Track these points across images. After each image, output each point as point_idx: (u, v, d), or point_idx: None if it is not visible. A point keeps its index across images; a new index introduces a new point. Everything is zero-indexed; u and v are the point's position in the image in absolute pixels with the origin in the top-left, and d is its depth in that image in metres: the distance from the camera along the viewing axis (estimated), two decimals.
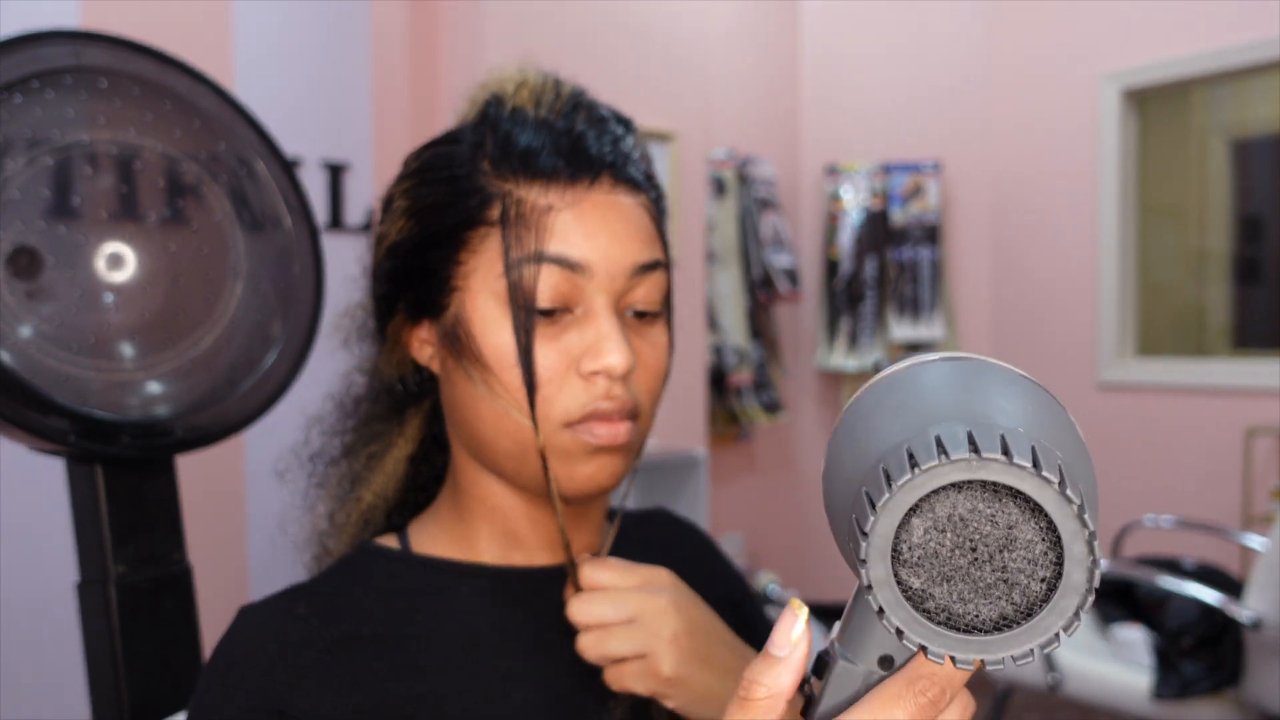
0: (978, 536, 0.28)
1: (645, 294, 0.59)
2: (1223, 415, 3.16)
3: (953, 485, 0.27)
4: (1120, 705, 2.08)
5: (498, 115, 0.60)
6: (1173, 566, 2.32)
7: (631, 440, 0.59)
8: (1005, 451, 0.26)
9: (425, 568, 0.63)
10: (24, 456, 0.89)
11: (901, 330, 3.79)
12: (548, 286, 0.56)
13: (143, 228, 0.79)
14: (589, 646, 0.57)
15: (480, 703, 0.57)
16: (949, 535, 0.28)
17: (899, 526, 0.28)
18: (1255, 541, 2.46)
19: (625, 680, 0.57)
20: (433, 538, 0.65)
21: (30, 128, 0.72)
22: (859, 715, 0.32)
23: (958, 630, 0.28)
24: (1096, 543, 0.27)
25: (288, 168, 0.88)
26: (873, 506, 0.28)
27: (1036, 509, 0.28)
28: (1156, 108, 3.50)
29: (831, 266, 3.89)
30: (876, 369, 0.56)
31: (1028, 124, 3.67)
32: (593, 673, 0.59)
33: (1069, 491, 0.26)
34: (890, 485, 0.27)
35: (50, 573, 1.67)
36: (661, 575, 0.60)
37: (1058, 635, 0.28)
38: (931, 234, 3.79)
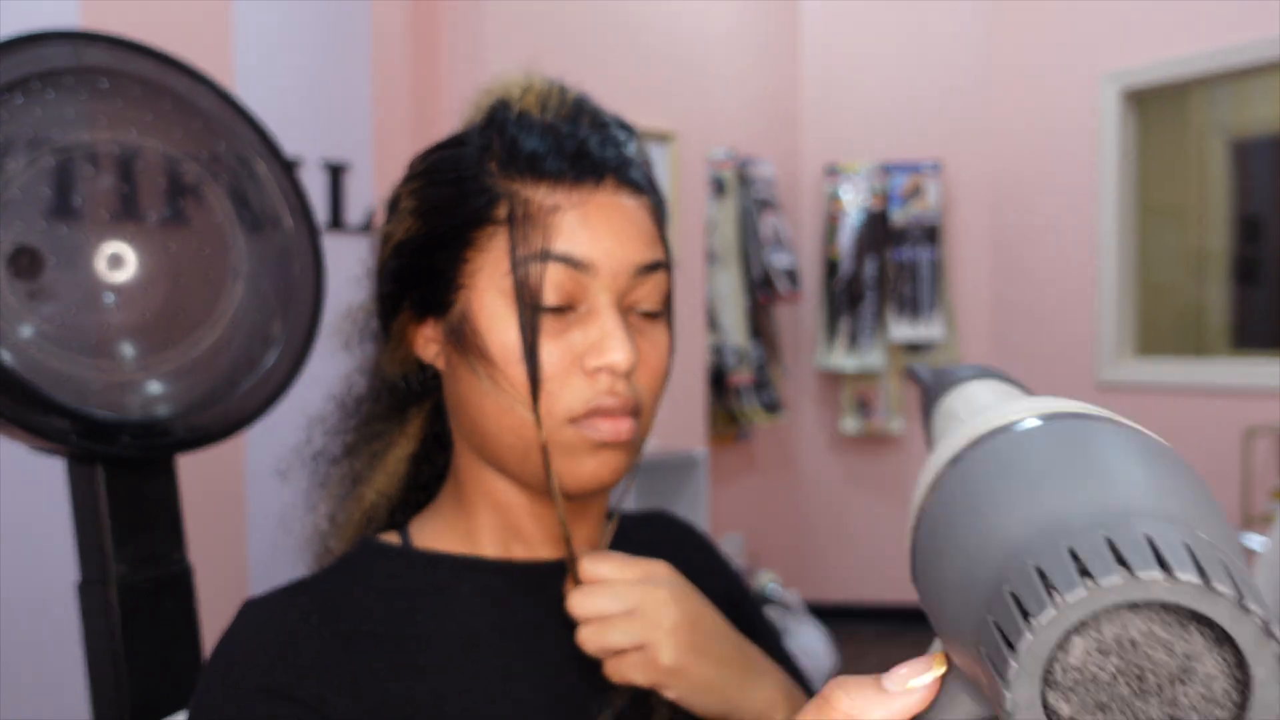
0: (1148, 664, 0.24)
1: (647, 294, 0.61)
2: (1222, 415, 3.16)
3: (1129, 604, 0.23)
4: None
5: (504, 119, 0.61)
6: None
7: (633, 437, 0.60)
8: (1201, 574, 0.22)
9: (426, 563, 0.63)
10: (24, 456, 0.89)
11: (901, 330, 3.79)
12: (553, 284, 0.57)
13: (143, 228, 0.79)
14: (589, 638, 0.58)
15: (481, 699, 0.58)
16: (1113, 659, 0.24)
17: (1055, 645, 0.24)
18: (1255, 541, 2.46)
19: (625, 671, 0.58)
20: (434, 532, 0.65)
21: (31, 128, 0.72)
22: None
23: None
24: None
25: (288, 168, 0.88)
26: (1027, 618, 0.23)
27: (1224, 639, 0.23)
28: (1156, 108, 3.50)
29: (831, 266, 3.90)
30: (913, 374, 0.47)
31: (1028, 124, 3.67)
32: (593, 666, 0.60)
33: (1276, 630, 0.23)
34: (1053, 598, 0.23)
35: (50, 573, 1.67)
36: (660, 568, 0.61)
37: None
38: (931, 234, 3.79)
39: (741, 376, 3.59)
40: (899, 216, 3.81)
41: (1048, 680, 0.24)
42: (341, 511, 0.70)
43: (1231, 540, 0.26)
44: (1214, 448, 3.16)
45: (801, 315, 4.00)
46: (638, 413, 0.60)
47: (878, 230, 3.83)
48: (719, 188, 3.58)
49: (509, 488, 0.63)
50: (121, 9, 2.04)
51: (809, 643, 3.16)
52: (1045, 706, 0.24)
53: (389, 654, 0.57)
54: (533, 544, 0.65)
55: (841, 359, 3.83)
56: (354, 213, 2.45)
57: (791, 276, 3.75)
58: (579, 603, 0.59)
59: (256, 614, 0.59)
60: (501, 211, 0.59)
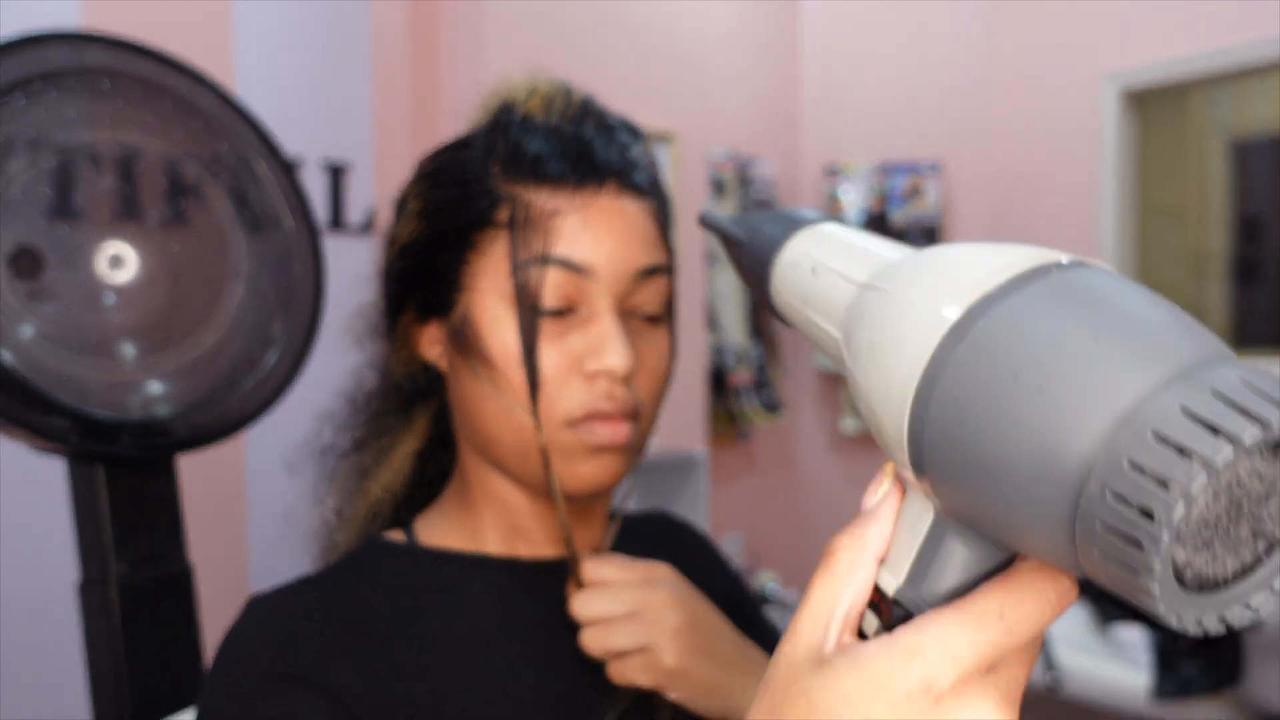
0: (1243, 495, 0.25)
1: (648, 298, 0.61)
2: None
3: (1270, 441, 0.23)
4: (1120, 705, 2.08)
5: (509, 121, 0.61)
6: None
7: (632, 441, 0.60)
8: None
9: (431, 560, 0.64)
10: (24, 456, 0.89)
11: None
12: (553, 288, 0.58)
13: (144, 228, 0.79)
14: (592, 641, 0.58)
15: (485, 696, 0.58)
16: (1223, 500, 0.24)
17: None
18: None
19: (628, 674, 0.58)
20: (439, 530, 0.66)
21: (32, 128, 0.72)
22: (938, 629, 0.29)
23: (1201, 590, 0.25)
24: None
25: (288, 168, 0.88)
26: (1163, 485, 0.23)
27: None
28: (1156, 108, 3.50)
29: None
30: (715, 222, 0.42)
31: (1027, 124, 3.67)
32: (597, 665, 0.60)
33: None
34: (1196, 462, 0.23)
35: (50, 573, 1.67)
36: (662, 570, 0.61)
37: (1257, 606, 0.26)
38: (931, 234, 3.80)
39: (741, 376, 3.59)
40: (899, 217, 3.81)
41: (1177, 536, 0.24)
42: (348, 505, 0.70)
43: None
44: None
45: None
46: (636, 416, 0.60)
47: (877, 230, 3.83)
48: (719, 188, 3.58)
49: (512, 488, 0.63)
50: (122, 9, 2.04)
51: None
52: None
53: (394, 649, 0.57)
54: (537, 543, 0.65)
55: None
56: (354, 213, 2.45)
57: None
58: (581, 605, 0.59)
59: (263, 608, 0.59)
60: (503, 215, 0.59)
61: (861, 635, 0.33)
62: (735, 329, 3.59)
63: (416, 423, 0.71)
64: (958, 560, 0.31)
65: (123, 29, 0.84)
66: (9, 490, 1.89)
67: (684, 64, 3.04)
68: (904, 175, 3.81)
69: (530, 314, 0.57)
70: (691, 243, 3.09)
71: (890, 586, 0.32)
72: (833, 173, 3.90)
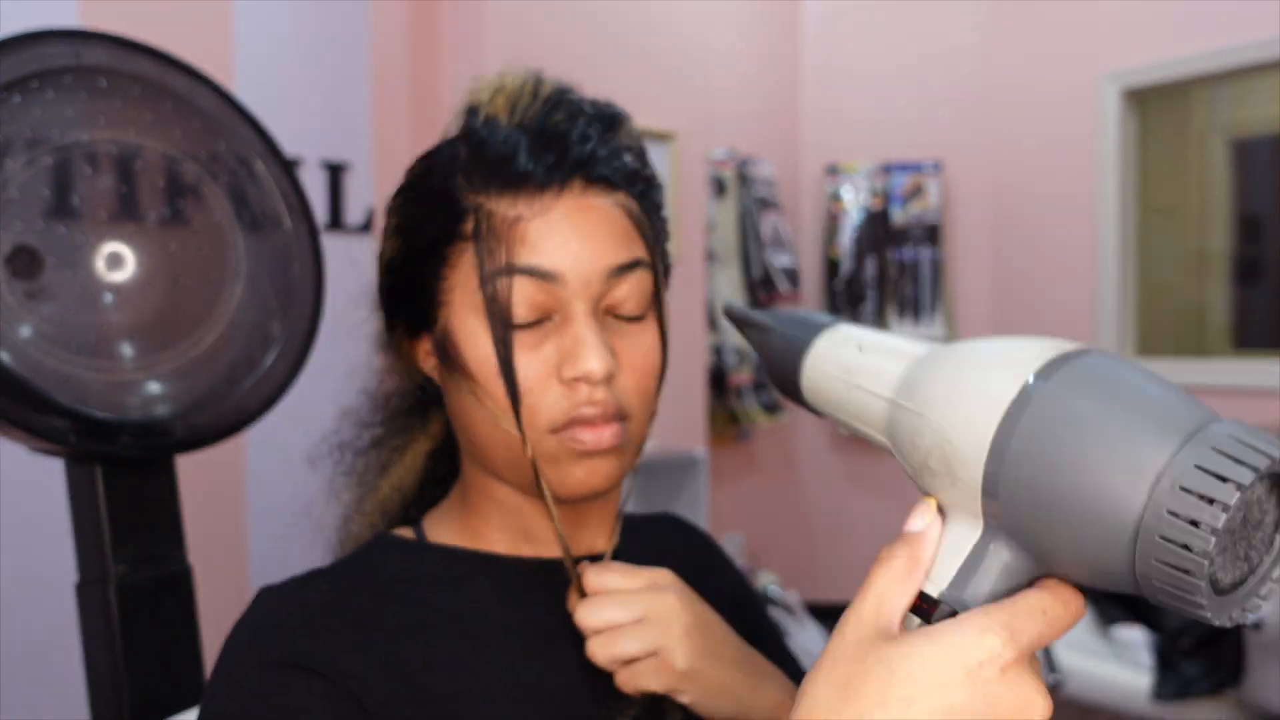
0: (1250, 518, 0.33)
1: (626, 295, 0.59)
2: (1223, 415, 3.15)
3: (1265, 475, 0.32)
4: (1120, 705, 2.08)
5: (471, 126, 0.60)
6: None
7: (622, 442, 0.59)
8: None
9: (439, 556, 0.64)
10: (23, 457, 0.88)
11: (902, 330, 3.79)
12: (523, 298, 0.57)
13: (142, 228, 0.79)
14: (598, 649, 0.58)
15: (492, 691, 0.58)
16: (1239, 514, 0.33)
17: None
18: None
19: (639, 679, 0.58)
20: (447, 529, 0.66)
21: (30, 127, 0.72)
22: (1001, 615, 0.35)
23: (1224, 593, 0.33)
24: None
25: (287, 168, 0.88)
26: (1195, 525, 0.31)
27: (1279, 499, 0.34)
28: (1156, 108, 3.50)
29: (832, 266, 3.89)
30: (743, 315, 0.51)
31: (1028, 124, 3.67)
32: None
33: None
34: (1250, 470, 0.31)
35: (50, 573, 1.66)
36: (664, 575, 0.61)
37: (1266, 595, 0.34)
38: (932, 234, 3.79)
39: (741, 376, 3.59)
40: (899, 216, 3.80)
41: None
42: (358, 501, 0.71)
43: None
44: None
45: None
46: (623, 417, 0.59)
47: (878, 230, 3.83)
48: (719, 188, 3.58)
49: (512, 493, 0.63)
50: (121, 8, 2.04)
51: (809, 643, 3.16)
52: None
53: (403, 643, 0.57)
54: (541, 544, 0.65)
55: None
56: (353, 213, 2.45)
57: (792, 276, 3.75)
58: (586, 614, 0.58)
59: (273, 598, 0.59)
60: (469, 226, 0.58)
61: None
62: (735, 329, 3.58)
63: (432, 424, 0.71)
64: (999, 569, 0.38)
65: (121, 28, 0.84)
66: (9, 490, 1.89)
67: (684, 64, 3.04)
68: (904, 175, 3.81)
69: (503, 326, 0.57)
70: (692, 242, 3.09)
71: (934, 591, 0.39)
72: (833, 172, 3.90)
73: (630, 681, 0.58)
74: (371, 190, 2.48)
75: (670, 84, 3.00)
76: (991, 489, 0.36)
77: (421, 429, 0.71)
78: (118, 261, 0.78)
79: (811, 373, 0.48)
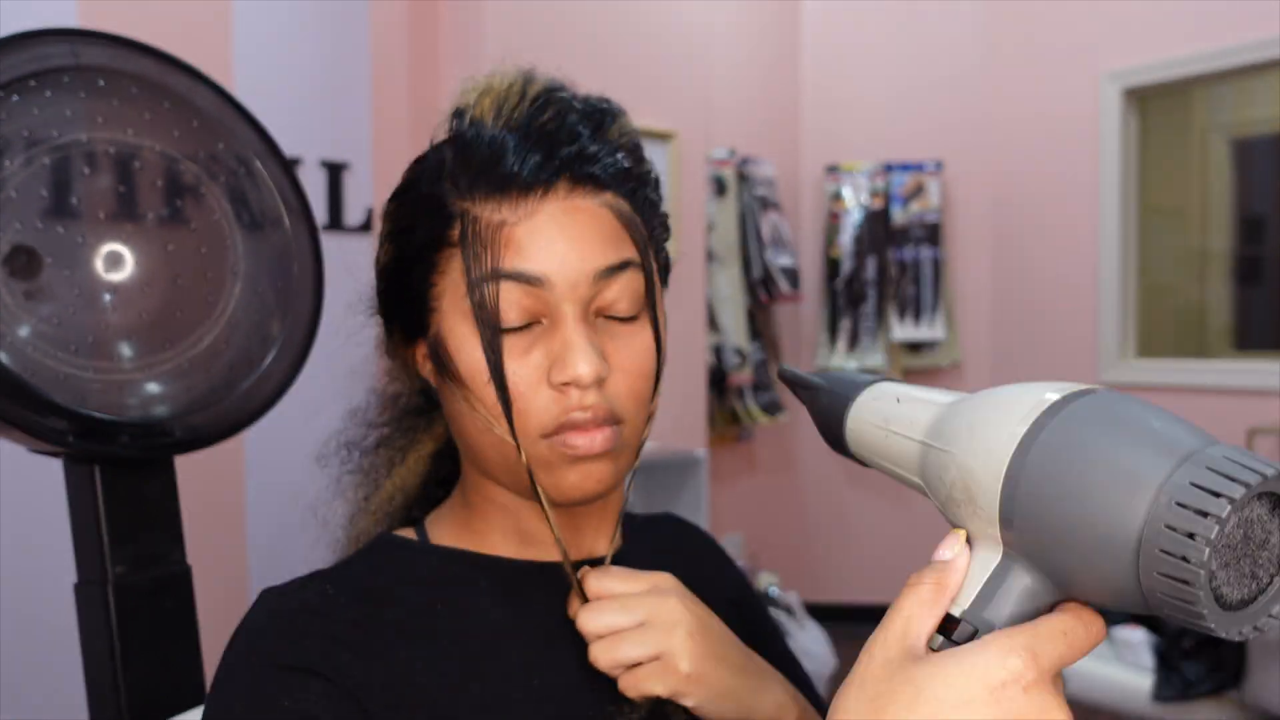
0: (1251, 535, 0.35)
1: (617, 296, 0.58)
2: (1224, 416, 3.16)
3: (1258, 495, 0.35)
4: (1122, 706, 2.08)
5: (458, 129, 0.60)
6: None
7: (615, 446, 0.58)
8: None
9: (441, 558, 0.63)
10: (22, 457, 0.88)
11: (903, 330, 3.78)
12: (511, 303, 0.56)
13: (141, 227, 0.79)
14: (601, 654, 0.57)
15: (495, 693, 0.57)
16: (1241, 530, 0.35)
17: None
18: None
19: (643, 684, 0.57)
20: (449, 531, 0.66)
21: (28, 127, 0.72)
22: (1023, 637, 0.37)
23: (1233, 609, 0.35)
24: None
25: (287, 167, 0.88)
26: (1191, 537, 0.33)
27: None
28: (1157, 107, 3.50)
29: (832, 266, 3.89)
30: (797, 378, 0.56)
31: (1029, 123, 3.67)
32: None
33: None
34: (1242, 486, 0.33)
35: (50, 573, 1.66)
36: (666, 578, 0.61)
37: (1275, 615, 0.37)
38: (932, 234, 3.79)
39: (742, 377, 3.59)
40: (900, 216, 3.80)
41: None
42: (362, 500, 0.71)
43: None
44: None
45: (802, 315, 4.00)
46: (616, 420, 0.58)
47: (879, 230, 3.82)
48: (719, 187, 3.58)
49: (510, 496, 0.63)
50: (120, 8, 2.04)
51: (809, 644, 3.15)
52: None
53: (405, 645, 0.57)
54: (542, 547, 0.65)
55: (842, 359, 3.83)
56: (353, 213, 2.45)
57: (792, 276, 3.74)
58: (588, 619, 0.58)
59: (276, 597, 0.58)
60: (456, 232, 0.58)
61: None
62: (735, 329, 3.58)
63: (437, 425, 0.71)
64: (1019, 592, 0.40)
65: (120, 28, 0.83)
66: (9, 490, 1.89)
67: (684, 64, 3.03)
68: (905, 174, 3.81)
69: (491, 333, 0.56)
70: (692, 242, 3.09)
71: (956, 611, 0.41)
72: (833, 172, 3.90)
73: (634, 686, 0.57)
74: (371, 190, 2.47)
75: (670, 84, 2.99)
76: (1008, 516, 0.39)
77: (426, 429, 0.71)
78: (116, 261, 0.78)
79: (854, 424, 0.52)
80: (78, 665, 0.82)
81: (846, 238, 3.85)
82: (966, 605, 0.41)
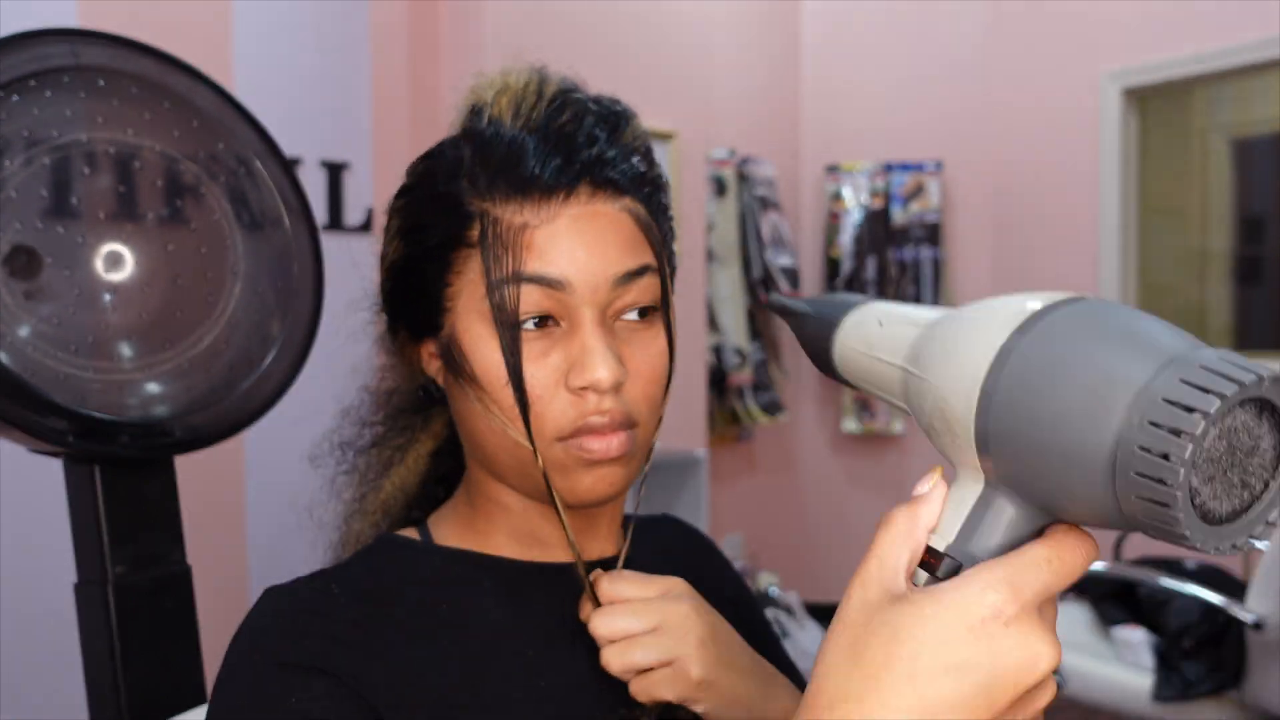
0: (1237, 444, 0.33)
1: (635, 300, 0.59)
2: None
3: (1239, 403, 0.32)
4: (1122, 706, 2.08)
5: (475, 128, 0.59)
6: (1174, 567, 2.32)
7: (630, 450, 0.58)
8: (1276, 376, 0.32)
9: (445, 558, 0.63)
10: (23, 457, 0.88)
11: None
12: (530, 305, 0.56)
13: (141, 227, 0.79)
14: (614, 659, 0.57)
15: (500, 695, 0.57)
16: (1224, 442, 0.33)
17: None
18: (1257, 542, 2.45)
19: (654, 689, 0.57)
20: (452, 531, 0.65)
21: (28, 127, 0.72)
22: (1002, 570, 0.36)
23: (1215, 524, 0.33)
24: None
25: (287, 168, 0.88)
26: (1175, 434, 0.31)
27: (1276, 424, 0.34)
28: (1157, 107, 3.50)
29: (832, 266, 3.89)
30: (783, 306, 0.56)
31: (1029, 123, 3.67)
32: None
33: None
34: (1217, 399, 0.31)
35: (50, 573, 1.67)
36: (678, 584, 0.61)
37: (1272, 521, 0.35)
38: (933, 234, 3.79)
39: (742, 377, 3.59)
40: (900, 216, 3.80)
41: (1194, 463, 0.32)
42: (360, 500, 0.70)
43: None
44: None
45: None
46: (631, 425, 0.58)
47: (879, 230, 3.82)
48: (719, 187, 3.58)
49: (518, 498, 0.63)
50: (120, 8, 2.04)
51: (809, 644, 3.15)
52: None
53: (409, 644, 0.57)
54: (548, 548, 0.64)
55: None
56: (353, 213, 2.45)
57: (792, 276, 3.74)
58: (601, 623, 0.58)
59: (279, 596, 0.58)
60: (474, 233, 0.57)
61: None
62: (735, 329, 3.58)
63: (434, 423, 0.71)
64: (1004, 522, 0.38)
65: (120, 28, 0.83)
66: (9, 490, 1.89)
67: (684, 64, 3.03)
68: (905, 174, 3.81)
69: (511, 335, 0.56)
70: (692, 242, 3.09)
71: (940, 545, 0.40)
72: (833, 172, 3.90)
73: (645, 691, 0.57)
74: (371, 190, 2.47)
75: (670, 84, 2.99)
76: (983, 440, 0.37)
77: (424, 428, 0.70)
78: (116, 261, 0.78)
79: (841, 350, 0.50)
80: (78, 665, 0.82)
81: (846, 238, 3.85)
82: (951, 539, 0.40)
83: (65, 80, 0.74)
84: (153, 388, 0.80)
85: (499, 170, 0.57)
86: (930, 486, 0.41)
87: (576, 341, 0.57)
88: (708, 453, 3.09)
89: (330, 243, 0.97)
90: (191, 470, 0.99)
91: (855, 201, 3.85)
